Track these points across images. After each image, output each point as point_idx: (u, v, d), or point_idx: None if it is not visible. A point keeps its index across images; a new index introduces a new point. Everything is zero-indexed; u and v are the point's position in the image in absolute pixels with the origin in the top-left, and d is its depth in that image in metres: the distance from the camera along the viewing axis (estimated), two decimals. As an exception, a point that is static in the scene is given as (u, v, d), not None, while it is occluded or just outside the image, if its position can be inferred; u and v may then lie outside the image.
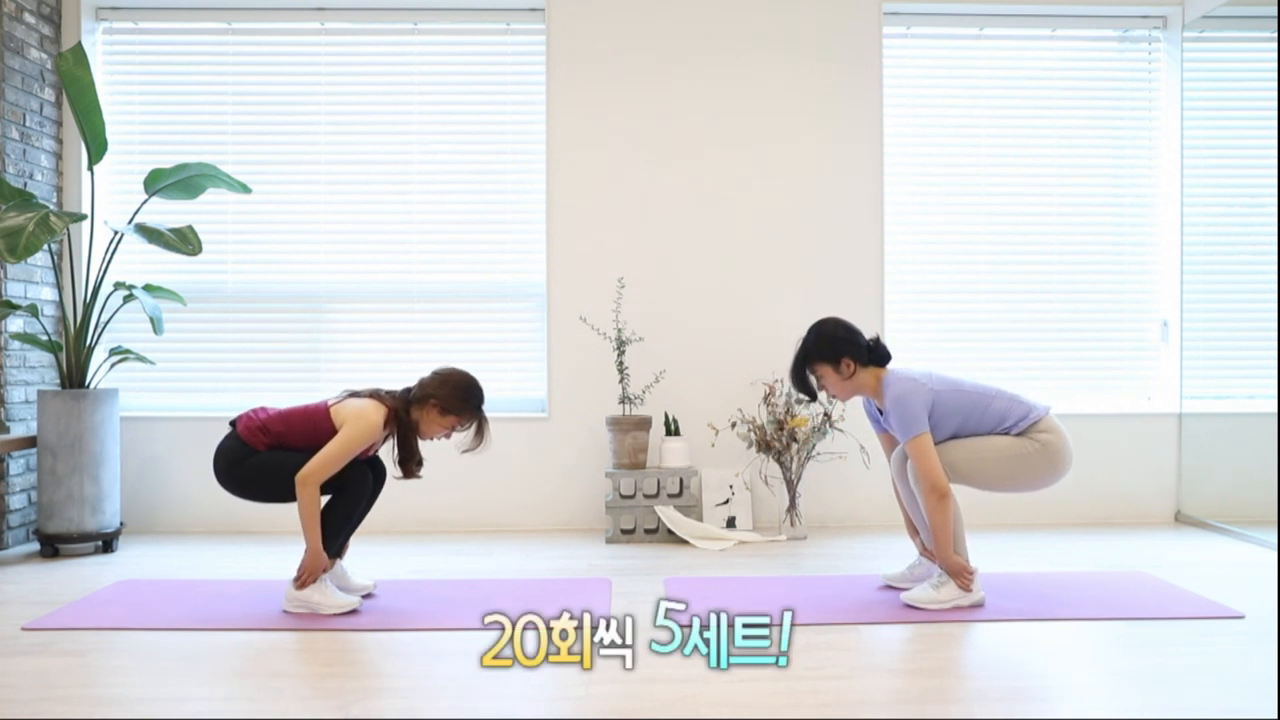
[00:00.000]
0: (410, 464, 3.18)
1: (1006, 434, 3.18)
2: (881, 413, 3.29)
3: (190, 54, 4.82)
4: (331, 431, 3.10)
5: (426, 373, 3.22)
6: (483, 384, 3.23)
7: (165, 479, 4.64)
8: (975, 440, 3.17)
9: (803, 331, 3.31)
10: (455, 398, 3.14)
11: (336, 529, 3.15)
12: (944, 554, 3.11)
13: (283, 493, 3.11)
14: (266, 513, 4.57)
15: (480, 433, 3.19)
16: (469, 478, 4.59)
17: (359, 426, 3.07)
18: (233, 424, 3.25)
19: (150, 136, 4.78)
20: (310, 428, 3.13)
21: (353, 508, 3.18)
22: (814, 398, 3.35)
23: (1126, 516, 4.78)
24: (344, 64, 4.81)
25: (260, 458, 3.14)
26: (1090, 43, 4.93)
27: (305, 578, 3.07)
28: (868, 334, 3.27)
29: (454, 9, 4.76)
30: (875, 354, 3.24)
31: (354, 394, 3.20)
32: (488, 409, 3.23)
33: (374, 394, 3.18)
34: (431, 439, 3.21)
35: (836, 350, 3.21)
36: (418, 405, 3.15)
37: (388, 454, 3.27)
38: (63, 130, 4.65)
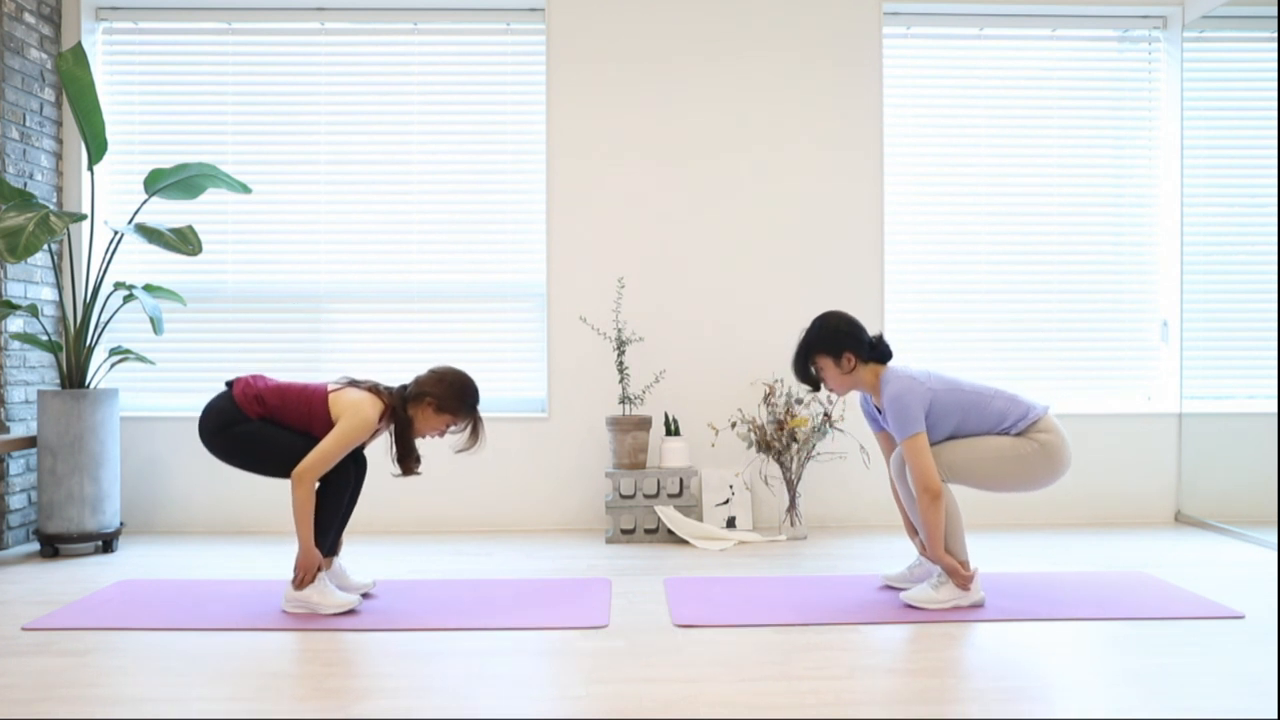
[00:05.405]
0: (409, 461, 3.18)
1: (1005, 434, 3.19)
2: (880, 411, 3.29)
3: (190, 54, 4.82)
4: (325, 416, 3.10)
5: (423, 371, 3.22)
6: (480, 384, 3.23)
7: (165, 479, 4.64)
8: (974, 440, 3.18)
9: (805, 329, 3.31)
10: (451, 396, 3.14)
11: (325, 525, 3.14)
12: (936, 553, 3.12)
13: (264, 466, 3.12)
14: (266, 512, 4.59)
15: (475, 433, 3.19)
16: (469, 478, 4.60)
17: (354, 422, 3.06)
18: (229, 384, 3.21)
19: (150, 136, 4.78)
20: (305, 409, 3.12)
21: (337, 502, 3.17)
22: (816, 388, 3.33)
23: (1126, 516, 4.78)
24: (344, 64, 4.81)
25: (250, 427, 3.12)
26: (1090, 43, 4.93)
27: (301, 576, 3.07)
28: (871, 331, 3.27)
29: (454, 9, 4.76)
30: (877, 351, 3.25)
31: (354, 383, 3.19)
32: (486, 409, 3.23)
33: (373, 388, 3.17)
34: (426, 437, 3.21)
35: (839, 344, 3.21)
36: (414, 403, 3.15)
37: (383, 449, 3.27)
38: (63, 130, 4.65)
